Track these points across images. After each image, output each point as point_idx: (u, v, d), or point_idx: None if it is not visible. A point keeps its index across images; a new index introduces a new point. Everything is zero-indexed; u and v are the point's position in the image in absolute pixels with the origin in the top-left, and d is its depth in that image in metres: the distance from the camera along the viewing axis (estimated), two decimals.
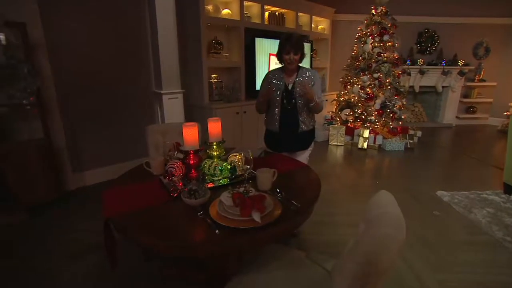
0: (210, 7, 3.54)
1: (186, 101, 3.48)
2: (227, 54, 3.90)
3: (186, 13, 3.43)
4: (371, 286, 0.63)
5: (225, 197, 1.06)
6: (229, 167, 1.35)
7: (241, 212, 0.98)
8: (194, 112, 3.72)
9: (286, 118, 1.97)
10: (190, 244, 0.96)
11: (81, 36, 2.75)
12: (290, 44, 1.80)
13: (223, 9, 3.72)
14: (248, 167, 1.30)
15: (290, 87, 1.94)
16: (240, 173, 1.34)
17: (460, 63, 5.71)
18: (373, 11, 4.52)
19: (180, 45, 3.35)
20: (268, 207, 1.04)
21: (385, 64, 4.39)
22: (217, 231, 0.95)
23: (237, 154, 1.42)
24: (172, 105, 3.33)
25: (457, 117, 6.15)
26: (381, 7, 4.45)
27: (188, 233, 1.02)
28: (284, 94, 1.94)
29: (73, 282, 1.67)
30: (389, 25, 4.47)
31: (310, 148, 2.12)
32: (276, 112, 1.97)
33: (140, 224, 1.05)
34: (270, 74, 2.02)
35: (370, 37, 4.50)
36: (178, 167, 1.30)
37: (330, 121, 4.98)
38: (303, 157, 2.07)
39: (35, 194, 2.43)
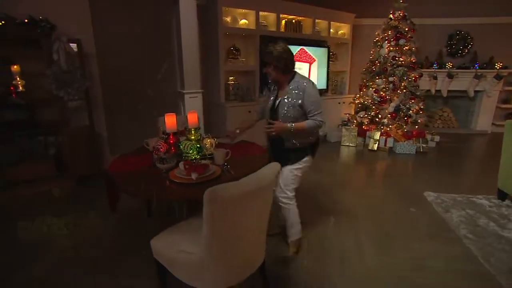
0: (228, 19, 4.06)
1: (206, 99, 4.05)
2: (243, 59, 4.38)
3: (207, 25, 4.00)
4: (219, 211, 1.05)
5: (181, 164, 1.52)
6: (198, 146, 1.80)
7: (185, 173, 1.44)
8: (212, 109, 4.27)
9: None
10: (148, 190, 1.45)
11: (122, 48, 3.49)
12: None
13: (240, 20, 4.20)
14: (212, 148, 1.77)
15: (278, 102, 1.84)
16: (206, 152, 1.79)
17: (497, 66, 5.35)
18: (391, 16, 4.58)
19: (202, 52, 3.93)
20: (208, 172, 1.47)
21: (400, 68, 4.43)
22: (168, 183, 1.42)
23: (208, 139, 1.88)
24: (193, 103, 3.92)
25: (494, 124, 5.74)
26: (399, 12, 4.50)
27: (151, 184, 1.50)
28: (270, 106, 1.91)
29: (98, 231, 2.31)
30: (406, 29, 4.49)
31: (294, 167, 1.86)
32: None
33: (127, 178, 1.57)
34: (269, 85, 1.98)
35: (386, 41, 4.57)
36: (162, 145, 1.80)
37: (345, 123, 5.13)
38: (284, 173, 1.87)
39: (81, 168, 3.20)
